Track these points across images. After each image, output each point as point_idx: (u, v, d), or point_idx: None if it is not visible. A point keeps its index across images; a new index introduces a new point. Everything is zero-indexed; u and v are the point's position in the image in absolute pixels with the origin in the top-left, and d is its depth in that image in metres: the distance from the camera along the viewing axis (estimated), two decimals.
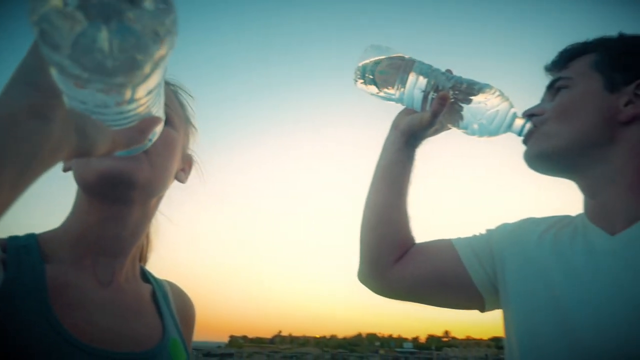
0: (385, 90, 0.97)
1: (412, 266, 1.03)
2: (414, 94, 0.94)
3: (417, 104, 0.95)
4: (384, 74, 0.95)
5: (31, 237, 0.72)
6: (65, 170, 0.76)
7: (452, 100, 0.91)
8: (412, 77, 0.93)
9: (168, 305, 0.85)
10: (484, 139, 0.92)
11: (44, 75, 0.38)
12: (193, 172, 0.91)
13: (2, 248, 0.68)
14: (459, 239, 1.06)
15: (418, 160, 1.04)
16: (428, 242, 1.09)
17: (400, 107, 1.04)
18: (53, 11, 0.34)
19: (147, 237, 0.90)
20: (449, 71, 0.95)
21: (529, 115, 0.93)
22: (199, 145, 0.91)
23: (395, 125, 1.05)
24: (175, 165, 0.81)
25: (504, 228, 1.04)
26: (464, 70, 0.95)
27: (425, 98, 0.93)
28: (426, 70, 0.94)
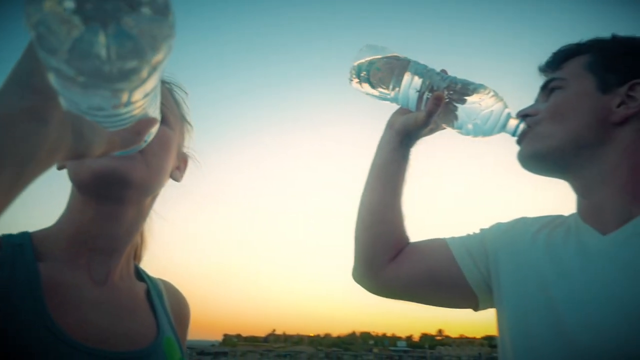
0: (381, 89, 0.97)
1: (407, 265, 1.04)
2: (409, 93, 0.94)
3: (412, 104, 0.96)
4: (379, 73, 0.96)
5: (25, 236, 0.72)
6: (59, 168, 0.75)
7: (447, 100, 0.91)
8: (407, 77, 0.94)
9: (162, 304, 0.85)
10: (478, 139, 0.93)
11: (40, 77, 0.37)
12: (188, 170, 0.90)
13: None
14: (453, 238, 1.06)
15: (413, 159, 1.05)
16: (422, 241, 1.09)
17: (395, 107, 1.04)
18: (50, 15, 0.34)
19: (141, 235, 0.90)
20: (443, 71, 0.95)
21: (522, 115, 0.94)
22: (194, 143, 0.91)
23: (390, 125, 1.05)
24: (171, 163, 0.81)
25: (498, 228, 1.05)
26: (458, 71, 0.95)
27: (420, 98, 0.94)
28: (421, 70, 0.94)
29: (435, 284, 1.03)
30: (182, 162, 0.88)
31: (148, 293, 0.84)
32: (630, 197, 0.82)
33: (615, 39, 0.93)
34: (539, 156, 0.90)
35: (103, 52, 0.34)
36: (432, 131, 1.03)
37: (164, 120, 0.76)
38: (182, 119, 0.86)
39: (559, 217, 0.99)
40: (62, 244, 0.73)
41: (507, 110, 0.90)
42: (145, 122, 0.45)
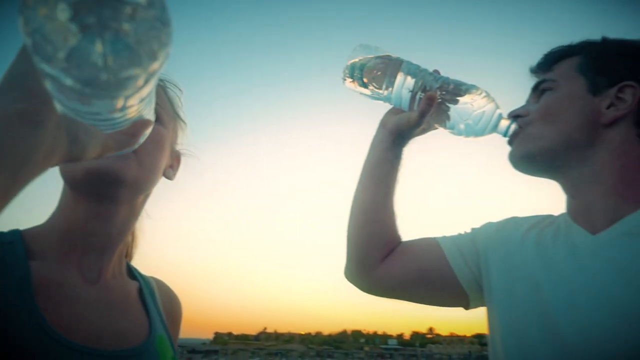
0: (374, 89, 0.97)
1: (399, 264, 1.05)
2: (402, 93, 0.95)
3: (405, 104, 0.96)
4: (372, 73, 0.96)
5: (16, 233, 0.72)
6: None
7: (440, 100, 0.92)
8: (400, 77, 0.94)
9: (155, 302, 0.85)
10: (470, 139, 0.93)
11: (35, 81, 0.37)
12: (181, 168, 0.90)
13: None
14: (444, 237, 1.07)
15: (405, 159, 1.05)
16: (414, 240, 1.10)
17: (388, 106, 1.05)
18: (46, 23, 0.33)
19: (132, 233, 0.90)
20: (436, 71, 0.96)
21: (514, 116, 0.95)
22: (187, 141, 0.91)
23: (383, 125, 1.05)
24: (164, 162, 0.80)
25: (489, 227, 1.06)
26: (451, 71, 0.96)
27: (413, 98, 0.94)
28: (414, 71, 0.95)
29: (427, 282, 1.04)
30: (175, 160, 0.87)
31: (140, 291, 0.83)
32: (619, 197, 0.84)
33: (605, 42, 0.94)
34: (530, 157, 0.91)
35: (100, 61, 0.34)
36: (424, 131, 1.04)
37: (157, 119, 0.75)
38: (176, 117, 0.86)
39: (549, 217, 1.00)
40: (53, 242, 0.73)
41: (498, 111, 0.91)
42: (140, 124, 0.45)
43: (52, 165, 0.40)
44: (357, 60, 0.98)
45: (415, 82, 0.93)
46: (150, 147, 0.73)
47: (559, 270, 0.84)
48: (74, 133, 0.40)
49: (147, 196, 0.81)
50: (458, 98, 0.91)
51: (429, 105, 0.90)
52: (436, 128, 1.01)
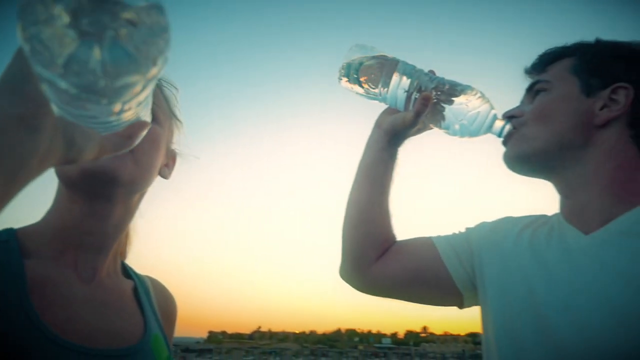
0: (369, 89, 0.98)
1: (393, 264, 1.05)
2: (397, 93, 0.95)
3: (401, 104, 0.97)
4: (368, 73, 0.96)
5: (10, 232, 0.71)
6: None
7: (435, 100, 0.92)
8: (395, 77, 0.95)
9: (150, 301, 0.85)
10: (465, 139, 0.94)
11: (32, 84, 0.37)
12: (176, 167, 0.90)
13: None
14: (439, 237, 1.08)
15: (400, 159, 1.06)
16: (409, 240, 1.10)
17: (383, 106, 1.05)
18: (44, 29, 0.33)
19: (127, 232, 0.89)
20: (431, 72, 0.96)
21: (508, 117, 0.95)
22: (184, 140, 0.91)
23: (378, 124, 1.06)
24: (160, 161, 0.80)
25: (483, 227, 1.07)
26: (446, 71, 0.96)
27: (408, 98, 0.95)
28: (410, 71, 0.95)
29: (422, 282, 1.04)
30: (170, 159, 0.87)
31: (135, 290, 0.83)
32: (611, 198, 0.84)
33: (599, 43, 0.95)
34: (524, 157, 0.92)
35: (98, 68, 0.34)
36: (419, 131, 1.04)
37: (153, 118, 0.75)
38: (172, 116, 0.85)
39: (543, 217, 1.01)
40: (48, 241, 0.72)
41: (493, 112, 0.92)
42: (137, 126, 0.45)
43: (49, 168, 0.40)
44: (353, 60, 0.98)
45: (411, 83, 0.94)
46: (146, 146, 0.73)
47: (552, 270, 0.85)
48: (70, 136, 0.40)
49: (142, 195, 0.81)
50: (453, 98, 0.92)
51: (424, 105, 0.91)
52: (431, 128, 1.02)
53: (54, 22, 0.33)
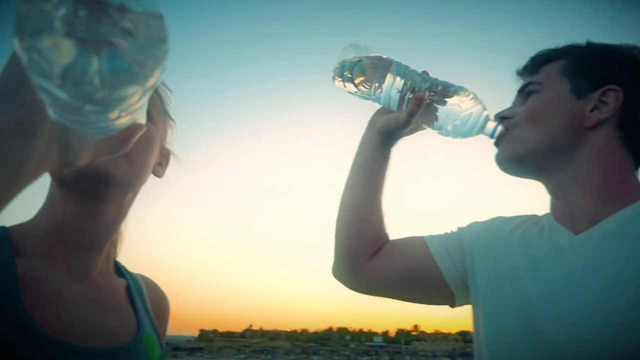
0: (363, 89, 0.98)
1: (386, 263, 1.06)
2: (391, 94, 0.96)
3: (394, 104, 0.97)
4: (362, 73, 0.97)
5: (2, 231, 0.71)
6: None
7: (428, 101, 0.93)
8: (389, 77, 0.95)
9: (142, 300, 0.84)
10: (458, 139, 0.95)
11: (27, 89, 0.37)
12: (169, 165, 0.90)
13: None
14: (431, 236, 1.08)
15: (393, 158, 1.06)
16: (401, 239, 1.11)
17: (377, 106, 1.05)
18: (42, 40, 0.33)
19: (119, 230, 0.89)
20: (425, 73, 0.97)
21: (500, 117, 0.96)
22: (176, 139, 0.91)
23: (371, 124, 1.06)
24: (153, 160, 0.80)
25: (475, 226, 1.07)
26: (440, 71, 0.97)
27: (402, 98, 0.95)
28: (403, 71, 0.95)
29: (414, 281, 1.05)
30: (164, 158, 0.87)
31: (128, 289, 0.83)
32: (601, 199, 0.85)
33: (590, 46, 0.96)
34: (516, 158, 0.93)
35: (96, 79, 0.34)
36: (412, 131, 1.05)
37: (148, 117, 0.75)
38: (165, 115, 0.85)
39: (533, 217, 1.02)
40: (41, 240, 0.72)
41: (485, 113, 0.93)
42: (132, 129, 0.45)
43: (45, 173, 0.40)
44: (347, 59, 0.98)
45: (404, 83, 0.94)
46: (140, 146, 0.72)
47: (542, 270, 0.86)
48: (66, 141, 0.40)
49: (135, 194, 0.81)
50: (446, 99, 0.92)
51: (418, 105, 0.91)
52: (424, 128, 1.02)
53: (51, 32, 0.33)
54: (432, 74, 0.97)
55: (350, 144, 1.12)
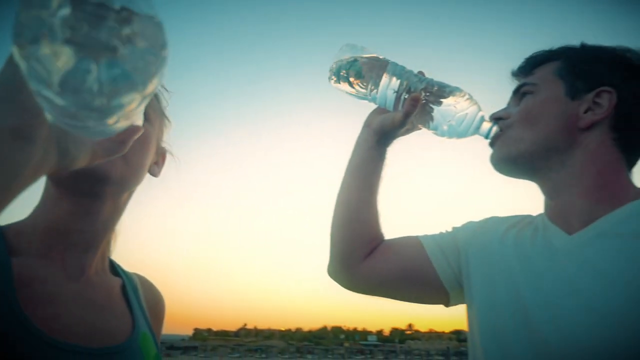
0: (359, 89, 0.98)
1: (381, 262, 1.06)
2: (387, 94, 0.96)
3: (390, 104, 0.97)
4: (358, 73, 0.97)
5: None
6: None
7: (424, 101, 0.93)
8: (385, 77, 0.95)
9: (138, 299, 0.84)
10: (453, 140, 0.95)
11: (25, 93, 0.36)
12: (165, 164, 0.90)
13: None
14: (426, 236, 1.09)
15: (389, 158, 1.07)
16: (396, 238, 1.11)
17: (373, 106, 1.06)
18: (41, 47, 0.32)
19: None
20: (421, 73, 0.97)
21: (495, 118, 0.97)
22: (172, 138, 0.91)
23: (367, 124, 1.07)
24: (149, 160, 0.80)
25: (470, 226, 1.08)
26: (435, 73, 0.98)
27: (397, 98, 0.96)
28: (399, 72, 0.96)
29: (409, 281, 1.05)
30: (160, 157, 0.87)
31: (123, 288, 0.83)
32: (594, 199, 0.86)
33: (584, 47, 0.97)
34: (510, 159, 0.93)
35: (95, 87, 0.33)
36: (408, 131, 1.05)
37: (144, 117, 0.75)
38: (162, 114, 0.85)
39: (527, 217, 1.03)
40: (36, 239, 0.71)
41: (480, 113, 0.93)
42: (129, 131, 0.45)
43: (42, 176, 0.40)
44: (343, 59, 0.98)
45: (400, 83, 0.95)
46: (137, 145, 0.72)
47: (536, 270, 0.87)
48: (64, 144, 0.40)
49: (131, 193, 0.81)
50: (442, 100, 0.93)
51: (413, 106, 0.92)
52: (420, 129, 1.03)
53: (50, 40, 0.33)
54: (428, 75, 0.98)
55: (347, 143, 1.12)
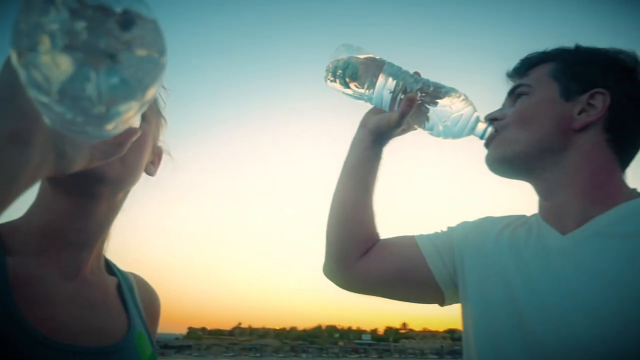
0: (355, 89, 0.98)
1: (377, 262, 1.06)
2: (383, 94, 0.96)
3: (386, 104, 0.98)
4: (355, 73, 0.97)
5: None
6: None
7: (419, 102, 0.94)
8: (381, 77, 0.96)
9: (134, 298, 0.84)
10: (448, 140, 0.96)
11: (23, 98, 0.36)
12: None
13: None
14: (421, 235, 1.09)
15: (385, 158, 1.07)
16: (392, 238, 1.12)
17: (369, 106, 1.06)
18: (40, 55, 0.32)
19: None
20: (417, 74, 0.98)
21: (490, 119, 0.97)
22: (168, 137, 0.90)
23: (363, 124, 1.07)
24: (146, 159, 0.80)
25: (464, 226, 1.09)
26: (431, 73, 0.98)
27: (393, 99, 0.96)
28: (395, 72, 0.96)
29: (404, 280, 1.06)
30: (156, 156, 0.87)
31: (119, 287, 0.83)
32: (588, 199, 0.87)
33: (578, 49, 0.97)
34: (505, 160, 0.94)
35: (94, 95, 0.33)
36: (404, 131, 1.06)
37: (141, 116, 0.75)
38: (158, 113, 0.85)
39: (522, 217, 1.04)
40: (31, 238, 0.71)
41: (476, 114, 0.94)
42: (127, 134, 0.46)
43: (40, 180, 0.40)
44: (339, 59, 0.99)
45: (397, 84, 0.95)
46: (133, 145, 0.72)
47: (530, 270, 0.87)
48: (61, 148, 0.40)
49: (127, 192, 0.80)
50: (437, 100, 0.93)
51: (409, 106, 0.92)
52: (415, 129, 1.03)
53: (49, 47, 0.32)
54: (423, 75, 0.98)
55: (343, 143, 1.12)
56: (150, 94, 0.36)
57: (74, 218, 0.72)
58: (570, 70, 0.93)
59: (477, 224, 1.07)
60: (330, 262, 1.10)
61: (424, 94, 0.94)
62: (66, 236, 0.72)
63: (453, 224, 1.12)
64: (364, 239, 1.08)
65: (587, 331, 0.74)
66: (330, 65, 0.99)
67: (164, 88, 0.86)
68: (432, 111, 0.94)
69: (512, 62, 1.03)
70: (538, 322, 0.80)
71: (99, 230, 0.76)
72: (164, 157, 0.91)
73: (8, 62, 0.36)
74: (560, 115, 0.90)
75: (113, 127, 0.38)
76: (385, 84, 0.96)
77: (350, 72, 0.97)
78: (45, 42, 0.32)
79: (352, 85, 0.98)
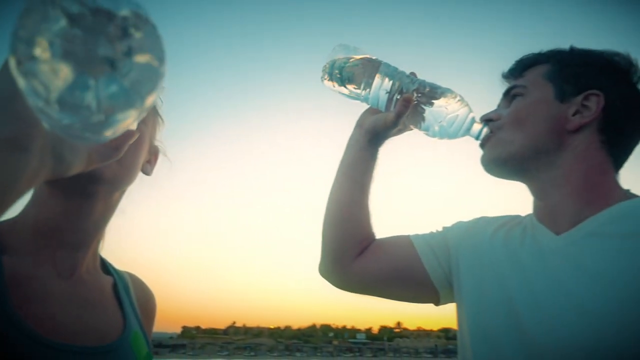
0: (352, 89, 0.99)
1: (372, 262, 1.07)
2: (379, 94, 0.97)
3: (382, 105, 0.98)
4: (351, 73, 0.97)
5: None
6: None
7: (415, 102, 0.94)
8: (377, 78, 0.96)
9: (129, 298, 0.84)
10: (444, 141, 0.96)
11: (20, 102, 0.36)
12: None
13: None
14: (417, 235, 1.10)
15: (381, 158, 1.07)
16: (387, 238, 1.12)
17: (365, 106, 1.06)
18: (39, 64, 0.32)
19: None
20: (413, 74, 0.98)
21: (486, 120, 0.98)
22: (164, 136, 0.90)
23: (359, 124, 1.07)
24: (142, 159, 0.80)
25: (460, 226, 1.09)
26: (427, 74, 0.98)
27: (390, 99, 0.96)
28: (391, 72, 0.96)
29: (400, 280, 1.06)
30: (153, 156, 0.87)
31: (115, 286, 0.83)
32: (582, 200, 0.88)
33: (573, 51, 0.98)
34: (500, 161, 0.94)
35: (93, 104, 0.33)
36: (400, 132, 1.06)
37: None
38: (155, 112, 0.85)
39: (516, 217, 1.04)
40: (27, 237, 0.71)
41: (471, 115, 0.94)
42: (125, 136, 0.46)
43: (38, 183, 0.40)
44: (336, 60, 0.99)
45: (393, 84, 0.95)
46: (130, 145, 0.72)
47: (525, 269, 0.88)
48: (59, 152, 0.40)
49: (123, 192, 0.80)
50: (433, 101, 0.94)
51: (405, 107, 0.92)
52: (411, 129, 1.03)
53: (48, 56, 0.32)
54: (419, 76, 0.98)
55: (339, 143, 1.13)
56: (150, 101, 0.36)
57: (70, 217, 0.72)
58: (565, 72, 0.94)
59: (472, 224, 1.08)
60: (326, 262, 1.10)
61: (420, 95, 0.94)
62: (62, 235, 0.72)
63: (448, 224, 1.13)
64: (360, 239, 1.08)
65: (582, 331, 0.74)
66: (327, 65, 0.99)
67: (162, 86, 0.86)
68: (428, 112, 0.94)
69: (508, 63, 1.04)
70: (533, 322, 0.81)
71: (95, 229, 0.76)
72: (160, 156, 0.90)
73: (5, 69, 0.36)
74: (555, 116, 0.91)
75: (111, 134, 0.38)
76: (381, 85, 0.96)
77: (347, 73, 0.98)
78: (44, 50, 0.32)
79: (348, 85, 0.98)
